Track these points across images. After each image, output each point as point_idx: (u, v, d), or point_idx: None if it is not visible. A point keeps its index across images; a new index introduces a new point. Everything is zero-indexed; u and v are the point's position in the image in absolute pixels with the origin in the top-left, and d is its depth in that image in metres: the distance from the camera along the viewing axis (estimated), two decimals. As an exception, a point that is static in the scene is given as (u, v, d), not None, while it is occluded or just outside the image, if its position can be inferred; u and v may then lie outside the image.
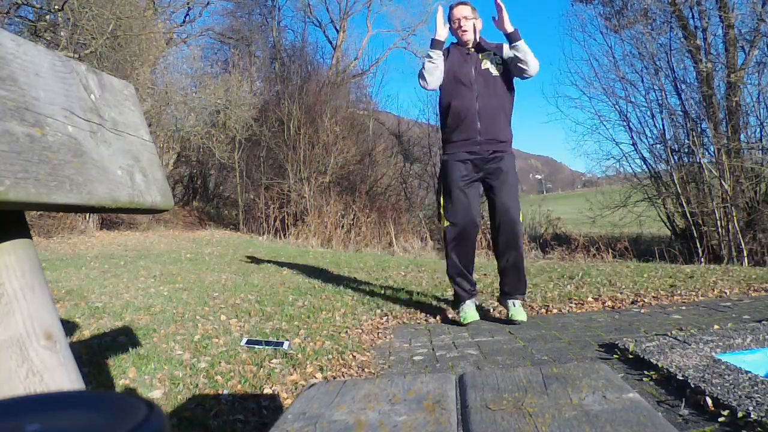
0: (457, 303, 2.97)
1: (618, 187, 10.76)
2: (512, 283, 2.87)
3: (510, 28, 2.79)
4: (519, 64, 2.81)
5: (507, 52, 2.89)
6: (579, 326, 2.70)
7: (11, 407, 0.34)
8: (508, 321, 2.85)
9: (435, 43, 2.84)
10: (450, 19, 2.93)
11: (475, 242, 2.94)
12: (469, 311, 2.86)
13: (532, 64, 2.79)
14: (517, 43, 2.79)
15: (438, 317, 3.13)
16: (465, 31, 2.87)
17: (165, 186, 0.93)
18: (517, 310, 2.84)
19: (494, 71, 2.86)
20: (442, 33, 2.85)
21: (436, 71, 2.84)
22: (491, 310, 3.20)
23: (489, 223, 3.04)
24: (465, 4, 2.92)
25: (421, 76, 2.87)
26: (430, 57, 2.83)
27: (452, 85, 2.87)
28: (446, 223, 2.87)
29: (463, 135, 2.83)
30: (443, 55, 2.89)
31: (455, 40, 2.97)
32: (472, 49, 2.91)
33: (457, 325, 2.91)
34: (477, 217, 2.89)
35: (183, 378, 2.05)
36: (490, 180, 2.85)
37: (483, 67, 2.86)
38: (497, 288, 3.79)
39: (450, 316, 3.09)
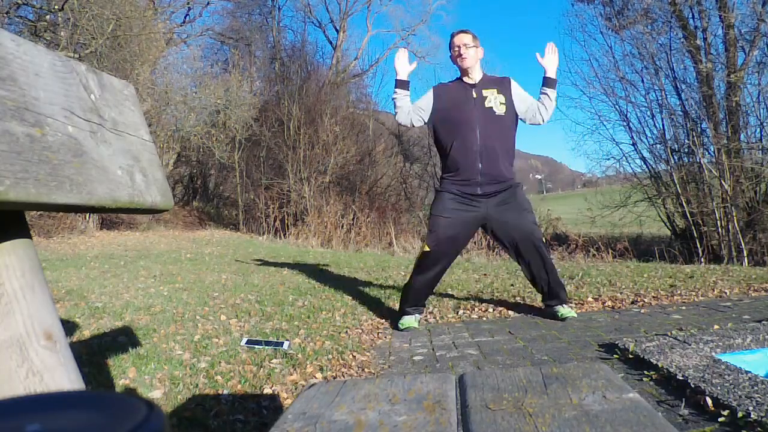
0: (400, 316, 2.98)
1: (618, 187, 10.76)
2: (559, 296, 2.92)
3: (554, 74, 2.88)
4: (541, 110, 2.88)
5: (517, 93, 2.89)
6: (579, 326, 2.70)
7: (11, 407, 0.34)
8: (561, 319, 2.87)
9: (398, 83, 2.91)
10: (450, 46, 2.89)
11: (443, 274, 2.97)
12: (407, 321, 2.91)
13: (550, 114, 2.90)
14: (553, 90, 2.88)
15: (437, 317, 3.13)
16: (465, 58, 2.80)
17: (165, 186, 0.93)
18: (566, 310, 2.90)
19: (498, 110, 2.79)
20: (404, 73, 2.90)
21: (399, 109, 2.90)
22: (492, 310, 3.20)
23: (509, 254, 3.02)
24: (466, 32, 2.88)
25: (393, 110, 2.95)
26: (394, 97, 2.91)
27: (452, 123, 2.81)
28: (426, 248, 2.83)
29: (464, 175, 2.78)
30: (435, 94, 2.89)
31: (457, 71, 2.91)
32: (474, 83, 2.84)
33: (457, 325, 2.92)
34: (457, 250, 2.92)
35: (183, 378, 2.05)
36: (499, 214, 2.80)
37: (486, 105, 2.78)
38: (497, 288, 3.81)
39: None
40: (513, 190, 2.83)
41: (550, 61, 2.90)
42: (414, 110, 2.90)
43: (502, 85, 2.87)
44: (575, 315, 2.89)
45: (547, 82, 2.90)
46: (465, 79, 2.86)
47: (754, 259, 7.59)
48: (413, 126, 3.02)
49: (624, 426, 0.62)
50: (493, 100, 2.80)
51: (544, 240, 2.91)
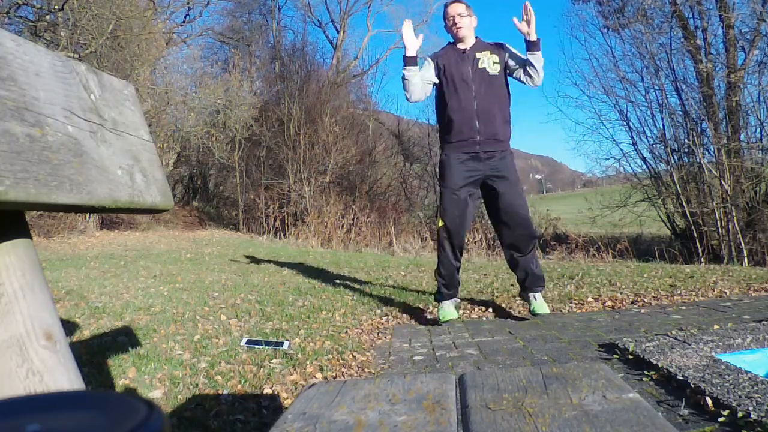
0: (438, 300, 3.01)
1: (618, 187, 10.75)
2: (531, 277, 2.92)
3: (535, 36, 2.83)
4: (530, 72, 2.85)
5: (509, 53, 2.92)
6: (579, 326, 2.70)
7: (11, 407, 0.34)
8: (532, 314, 2.87)
9: (407, 60, 2.87)
10: (445, 16, 2.95)
11: (464, 244, 3.01)
12: (447, 310, 2.91)
13: (541, 75, 2.87)
14: (537, 52, 2.84)
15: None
16: (460, 27, 2.87)
17: (165, 186, 0.93)
18: (539, 303, 2.89)
19: (491, 71, 2.86)
20: (412, 48, 2.87)
21: (412, 86, 2.87)
22: (492, 310, 3.20)
23: (491, 221, 3.08)
24: (459, 1, 2.92)
25: (404, 89, 2.93)
26: (404, 74, 2.88)
27: (450, 85, 2.87)
28: (441, 223, 2.90)
29: (462, 135, 2.84)
30: (433, 60, 2.93)
31: (452, 40, 2.97)
32: (467, 47, 2.90)
33: (457, 325, 2.91)
34: (470, 220, 2.95)
35: (183, 378, 2.05)
36: (492, 181, 2.86)
37: (480, 66, 2.86)
38: (497, 288, 3.81)
39: (429, 316, 3.11)
40: (505, 161, 2.86)
41: (528, 22, 2.83)
42: (423, 82, 2.92)
43: (496, 47, 2.93)
44: (548, 312, 2.88)
45: (530, 45, 2.85)
46: (459, 45, 2.93)
47: (754, 259, 7.59)
48: (424, 99, 3.02)
49: (624, 426, 0.62)
50: (486, 60, 2.87)
51: (530, 215, 2.94)
